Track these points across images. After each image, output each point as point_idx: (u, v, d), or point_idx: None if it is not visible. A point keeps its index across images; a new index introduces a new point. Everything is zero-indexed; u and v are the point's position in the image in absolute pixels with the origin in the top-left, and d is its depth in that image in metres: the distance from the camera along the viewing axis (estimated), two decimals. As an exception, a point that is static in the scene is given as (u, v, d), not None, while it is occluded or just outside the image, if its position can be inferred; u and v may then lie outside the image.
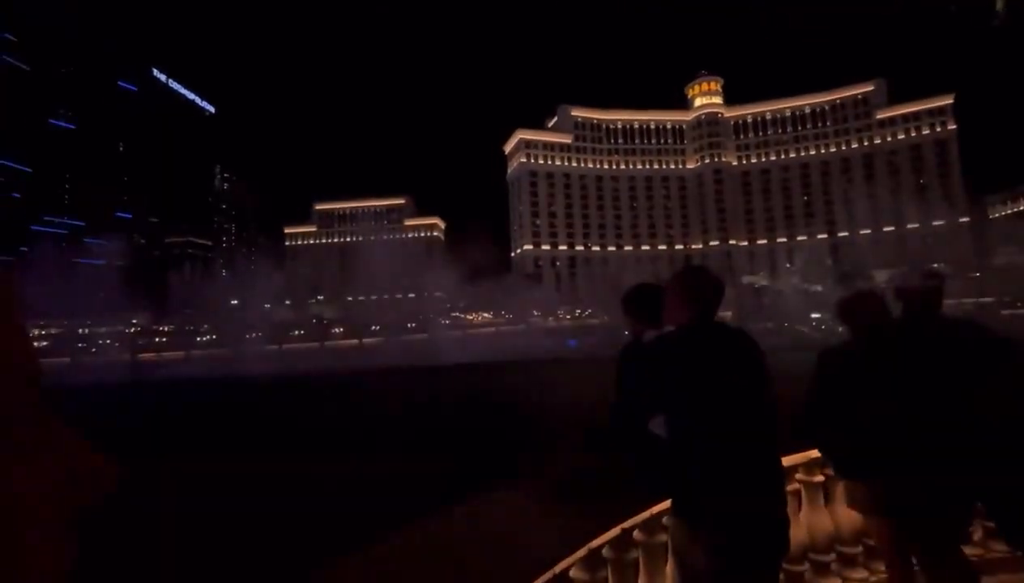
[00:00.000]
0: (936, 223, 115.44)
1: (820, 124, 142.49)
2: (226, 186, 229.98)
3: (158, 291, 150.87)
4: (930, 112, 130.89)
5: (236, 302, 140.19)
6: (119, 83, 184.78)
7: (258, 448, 19.65)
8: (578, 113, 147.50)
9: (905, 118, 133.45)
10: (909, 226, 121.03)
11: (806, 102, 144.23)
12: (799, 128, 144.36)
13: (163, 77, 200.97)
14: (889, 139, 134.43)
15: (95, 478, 0.65)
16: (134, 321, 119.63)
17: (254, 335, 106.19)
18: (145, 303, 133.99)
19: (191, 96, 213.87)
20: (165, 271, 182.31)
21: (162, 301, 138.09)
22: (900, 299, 2.82)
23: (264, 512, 11.96)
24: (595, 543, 2.00)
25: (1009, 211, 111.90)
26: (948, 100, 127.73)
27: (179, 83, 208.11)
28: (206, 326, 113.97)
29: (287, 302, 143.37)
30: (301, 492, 13.13)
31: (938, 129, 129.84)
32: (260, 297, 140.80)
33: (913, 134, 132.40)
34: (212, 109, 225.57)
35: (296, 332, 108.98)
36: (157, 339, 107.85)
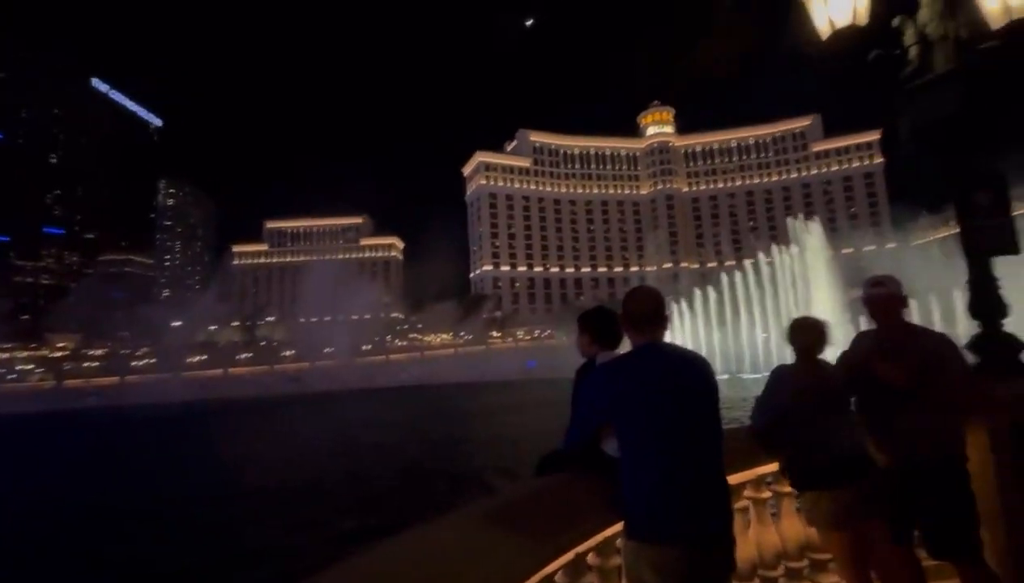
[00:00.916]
0: (867, 249, 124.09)
1: (762, 154, 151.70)
2: (171, 202, 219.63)
3: (90, 312, 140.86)
4: (859, 146, 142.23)
5: (179, 324, 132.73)
6: (55, 92, 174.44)
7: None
8: (537, 138, 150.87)
9: (838, 151, 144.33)
10: (844, 251, 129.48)
11: (750, 134, 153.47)
12: (744, 158, 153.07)
13: (104, 88, 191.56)
14: (824, 170, 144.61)
15: None
16: (60, 344, 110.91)
17: (197, 359, 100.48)
18: (74, 325, 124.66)
19: (134, 108, 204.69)
20: (99, 290, 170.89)
21: (94, 323, 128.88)
22: (866, 307, 2.97)
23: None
24: (548, 569, 1.90)
25: (930, 238, 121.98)
26: (875, 135, 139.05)
27: (123, 94, 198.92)
28: (144, 349, 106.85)
29: (234, 324, 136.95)
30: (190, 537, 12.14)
31: (867, 162, 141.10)
32: (205, 318, 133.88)
33: (845, 166, 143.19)
34: (159, 122, 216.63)
35: (243, 355, 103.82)
36: (87, 364, 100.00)
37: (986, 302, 3.92)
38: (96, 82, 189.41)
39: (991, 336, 3.83)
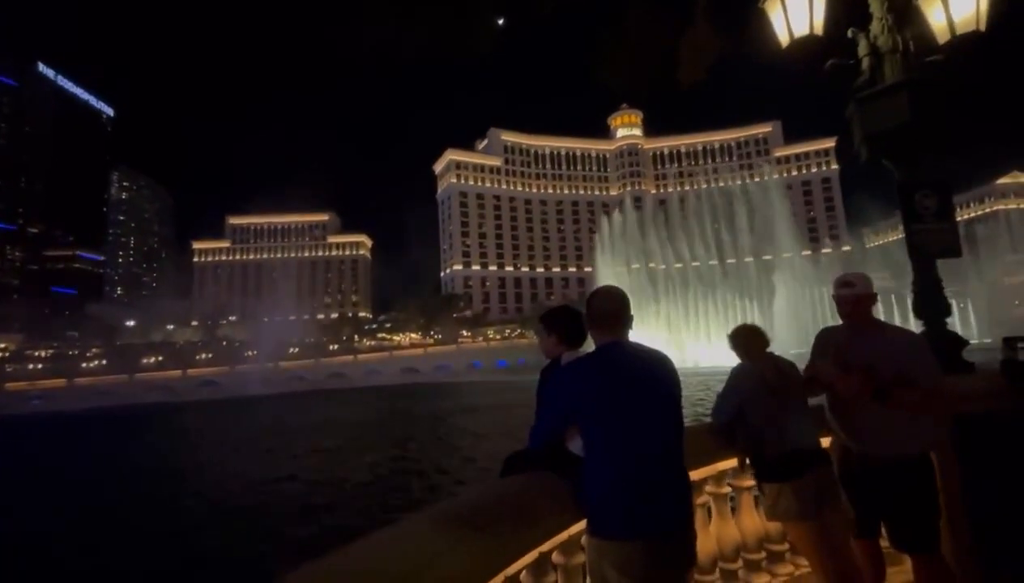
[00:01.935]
0: (824, 251, 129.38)
1: (727, 158, 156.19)
2: (124, 195, 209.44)
3: (34, 311, 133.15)
4: (817, 152, 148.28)
5: (133, 323, 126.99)
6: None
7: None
8: (508, 137, 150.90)
9: (797, 157, 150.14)
10: (804, 253, 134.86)
11: (715, 138, 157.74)
12: (709, 161, 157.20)
13: (51, 73, 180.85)
14: (785, 175, 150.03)
15: None
16: (1, 345, 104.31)
17: (153, 360, 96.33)
18: (17, 325, 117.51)
19: (85, 95, 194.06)
20: (45, 288, 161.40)
21: (39, 322, 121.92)
22: (836, 306, 2.99)
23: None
24: (512, 568, 1.89)
25: (881, 242, 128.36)
26: (831, 143, 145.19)
27: (71, 80, 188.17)
28: (94, 350, 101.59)
29: (193, 323, 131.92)
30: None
31: (824, 168, 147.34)
32: (162, 318, 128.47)
33: (804, 171, 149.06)
34: (111, 111, 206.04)
35: (203, 356, 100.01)
36: (31, 365, 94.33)
37: (931, 302, 4.12)
38: (42, 68, 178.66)
39: (935, 335, 4.03)
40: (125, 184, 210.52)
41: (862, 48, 4.42)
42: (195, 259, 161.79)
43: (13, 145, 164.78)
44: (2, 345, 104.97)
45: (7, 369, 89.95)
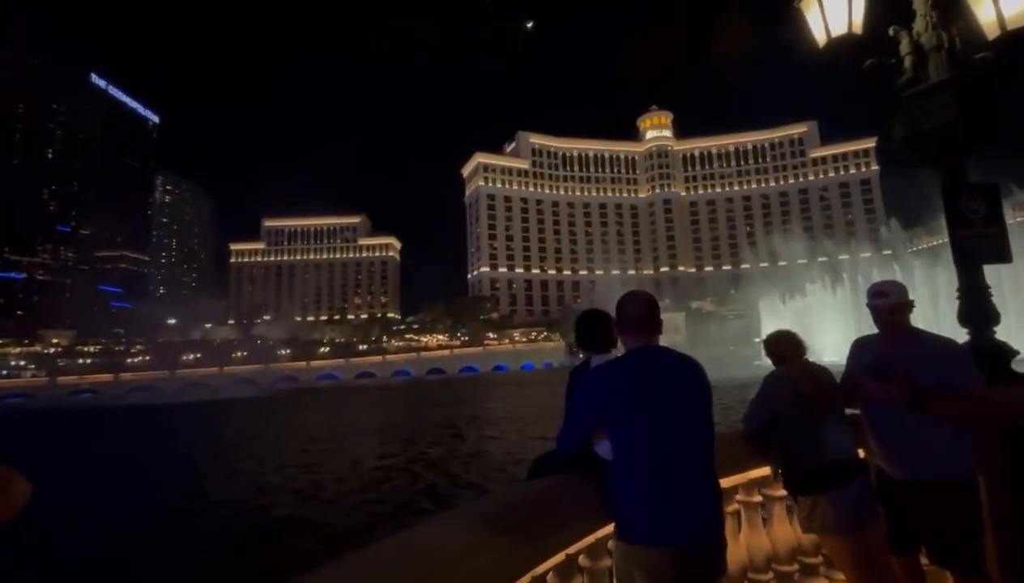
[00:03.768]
0: (864, 255, 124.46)
1: (760, 160, 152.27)
2: (168, 199, 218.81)
3: (84, 308, 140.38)
4: (856, 153, 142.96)
5: (174, 321, 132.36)
6: (53, 86, 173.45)
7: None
8: (536, 140, 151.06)
9: (835, 158, 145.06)
10: (841, 257, 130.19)
11: (747, 139, 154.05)
12: (741, 163, 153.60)
13: (102, 83, 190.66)
14: (821, 176, 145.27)
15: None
16: (55, 341, 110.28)
17: (192, 356, 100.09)
18: (69, 321, 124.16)
19: (133, 104, 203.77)
20: (94, 287, 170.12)
21: (89, 319, 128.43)
22: (871, 316, 2.90)
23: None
24: (538, 570, 1.89)
25: (924, 246, 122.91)
26: (871, 143, 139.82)
27: (121, 90, 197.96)
28: (138, 347, 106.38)
29: (230, 322, 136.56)
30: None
31: (863, 169, 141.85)
32: (201, 316, 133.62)
33: (842, 173, 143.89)
34: (156, 118, 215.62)
35: (239, 354, 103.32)
36: (81, 360, 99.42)
37: (978, 310, 3.93)
38: (95, 78, 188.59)
39: (982, 344, 3.85)
40: (168, 188, 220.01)
41: (904, 46, 4.27)
42: (232, 260, 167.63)
43: (68, 151, 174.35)
44: (55, 340, 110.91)
45: (60, 363, 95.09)
